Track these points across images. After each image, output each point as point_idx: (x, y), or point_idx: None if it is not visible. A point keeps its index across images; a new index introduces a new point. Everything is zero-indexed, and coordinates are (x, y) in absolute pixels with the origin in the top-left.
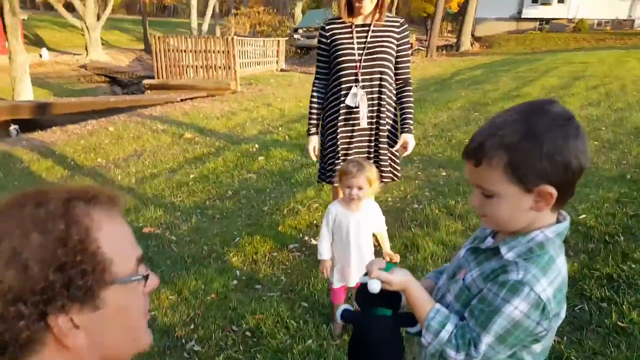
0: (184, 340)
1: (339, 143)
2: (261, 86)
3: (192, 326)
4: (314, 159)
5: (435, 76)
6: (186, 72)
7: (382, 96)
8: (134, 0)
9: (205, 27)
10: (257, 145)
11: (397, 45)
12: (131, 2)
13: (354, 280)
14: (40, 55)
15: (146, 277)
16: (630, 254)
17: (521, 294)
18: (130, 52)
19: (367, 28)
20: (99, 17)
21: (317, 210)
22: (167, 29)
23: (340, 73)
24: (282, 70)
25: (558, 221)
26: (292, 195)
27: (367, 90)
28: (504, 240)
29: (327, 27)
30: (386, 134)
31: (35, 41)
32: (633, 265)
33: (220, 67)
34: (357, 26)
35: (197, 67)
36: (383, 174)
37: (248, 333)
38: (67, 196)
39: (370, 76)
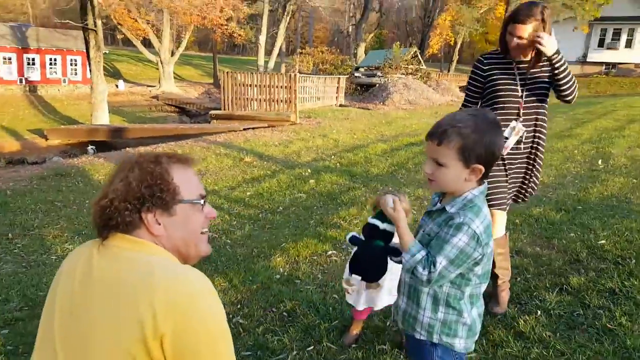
0: (231, 316)
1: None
2: (319, 119)
3: (238, 306)
4: None
5: None
6: (250, 105)
7: (538, 128)
8: (206, 39)
9: (271, 65)
10: (309, 170)
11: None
12: (203, 40)
13: (381, 304)
14: (117, 86)
15: (203, 205)
16: (637, 273)
17: (463, 230)
18: (200, 85)
19: (526, 65)
20: (172, 53)
21: (358, 225)
22: (236, 66)
23: (499, 105)
24: (340, 105)
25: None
26: (336, 212)
27: (526, 123)
28: (447, 202)
29: (485, 61)
30: (541, 161)
31: (112, 73)
32: (635, 282)
33: (282, 101)
34: (517, 62)
35: (260, 100)
36: (526, 196)
37: (285, 313)
38: (158, 154)
39: (530, 110)
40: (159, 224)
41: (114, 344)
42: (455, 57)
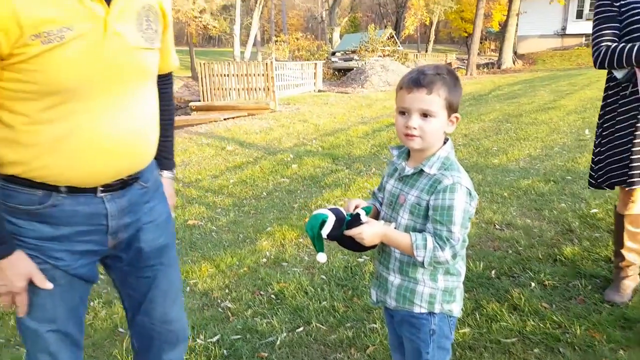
0: (219, 300)
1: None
2: (298, 105)
3: (226, 290)
4: None
5: (473, 92)
6: (229, 95)
7: None
8: (181, 32)
9: (247, 55)
10: (291, 155)
11: None
12: (178, 33)
13: None
14: None
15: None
16: None
17: (458, 190)
18: (177, 79)
19: None
20: None
21: (342, 206)
22: (212, 57)
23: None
24: (319, 91)
25: (445, 142)
26: (320, 195)
27: None
28: (422, 164)
29: None
30: None
31: None
32: None
33: (260, 89)
34: None
35: (239, 90)
36: None
37: (273, 296)
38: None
39: None
40: None
41: None
42: (432, 37)
